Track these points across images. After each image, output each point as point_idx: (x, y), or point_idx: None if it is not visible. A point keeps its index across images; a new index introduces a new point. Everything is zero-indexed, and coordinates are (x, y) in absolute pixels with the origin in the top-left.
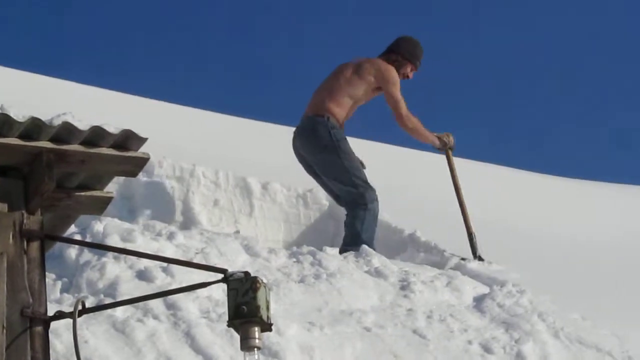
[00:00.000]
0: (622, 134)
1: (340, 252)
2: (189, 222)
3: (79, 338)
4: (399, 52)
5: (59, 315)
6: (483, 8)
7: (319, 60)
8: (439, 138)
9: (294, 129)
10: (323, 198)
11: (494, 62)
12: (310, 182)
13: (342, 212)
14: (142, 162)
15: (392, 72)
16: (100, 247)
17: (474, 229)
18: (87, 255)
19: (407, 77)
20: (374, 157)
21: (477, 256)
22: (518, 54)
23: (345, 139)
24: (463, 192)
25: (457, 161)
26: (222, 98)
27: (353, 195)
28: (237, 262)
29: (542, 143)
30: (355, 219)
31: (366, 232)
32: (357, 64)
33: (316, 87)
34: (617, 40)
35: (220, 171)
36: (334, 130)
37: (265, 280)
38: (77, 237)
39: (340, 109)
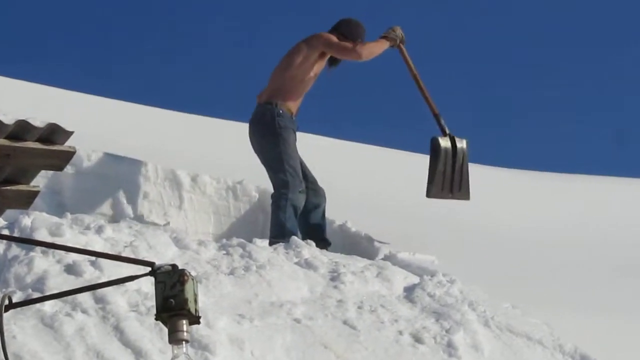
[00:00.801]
0: (555, 125)
1: (270, 244)
2: (118, 216)
3: (6, 333)
4: (340, 32)
5: None
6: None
7: (246, 53)
8: (387, 38)
9: (223, 121)
10: (253, 190)
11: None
12: (240, 174)
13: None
14: (69, 155)
15: (326, 33)
16: (28, 242)
17: (437, 110)
18: (15, 249)
19: (342, 60)
20: (301, 148)
21: (447, 134)
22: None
23: (290, 129)
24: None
25: (385, 151)
26: (149, 90)
27: (279, 182)
28: (167, 255)
29: (475, 132)
30: (278, 209)
31: (289, 221)
32: (299, 44)
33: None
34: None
35: (149, 164)
36: (279, 118)
37: (194, 273)
38: (5, 232)
39: (290, 93)
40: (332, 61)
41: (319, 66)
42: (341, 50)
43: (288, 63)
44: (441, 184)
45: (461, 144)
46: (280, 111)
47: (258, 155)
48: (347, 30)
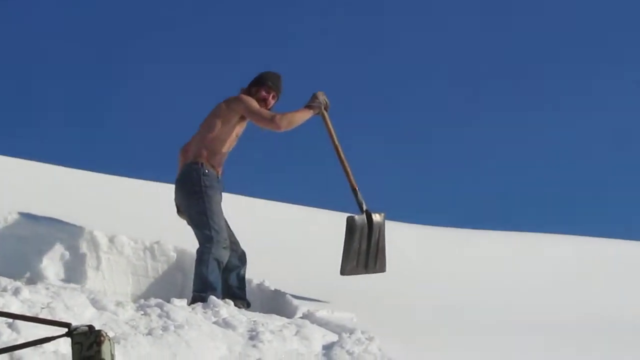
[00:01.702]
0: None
1: (193, 299)
2: (35, 277)
3: None
4: (250, 86)
5: None
6: None
7: (163, 114)
8: (311, 107)
9: (139, 181)
10: (170, 250)
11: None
12: (157, 234)
13: (189, 263)
14: None
15: (247, 97)
16: None
17: (356, 184)
18: None
19: (265, 100)
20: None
21: (364, 211)
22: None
23: (215, 188)
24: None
25: (301, 209)
26: (64, 151)
27: (203, 237)
28: (84, 316)
29: (380, 188)
30: (202, 262)
31: (212, 274)
32: (220, 106)
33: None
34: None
35: (67, 225)
36: (205, 177)
37: (112, 334)
38: None
39: (214, 154)
40: None
41: (241, 127)
42: (260, 120)
43: (210, 125)
44: (355, 261)
45: (378, 218)
46: (206, 171)
47: (184, 213)
48: (256, 81)
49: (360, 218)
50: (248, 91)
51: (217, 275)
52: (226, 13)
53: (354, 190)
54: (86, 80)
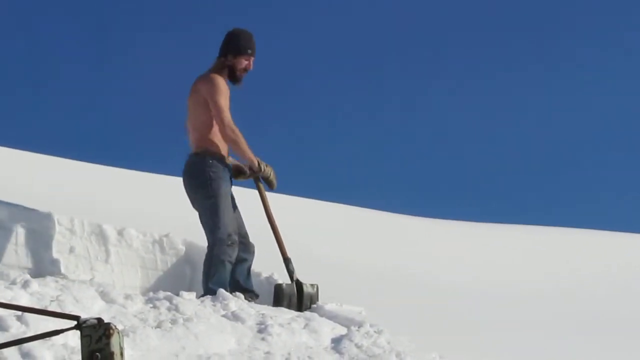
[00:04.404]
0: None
1: (204, 294)
2: (44, 270)
3: None
4: (224, 53)
5: None
6: None
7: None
8: (255, 162)
9: (148, 174)
10: (179, 243)
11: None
12: (166, 227)
13: (198, 256)
14: None
15: (216, 81)
16: None
17: (287, 254)
18: None
19: (247, 69)
20: None
21: (294, 280)
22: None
23: (222, 178)
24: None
25: (310, 202)
26: (74, 143)
27: (208, 237)
28: (93, 309)
29: (393, 182)
30: (205, 264)
31: (214, 278)
32: (197, 88)
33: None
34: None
35: (76, 218)
36: (209, 169)
37: (121, 327)
38: None
39: (213, 138)
40: (233, 80)
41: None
42: (217, 116)
43: (195, 109)
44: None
45: (309, 289)
46: (210, 161)
47: (193, 206)
48: (231, 48)
49: (288, 286)
50: (224, 61)
51: (221, 278)
52: None
53: (285, 259)
54: (91, 75)
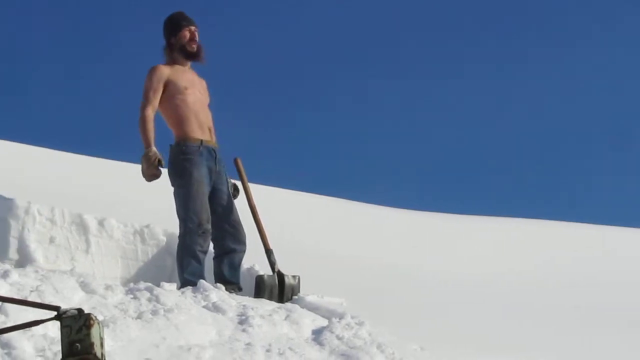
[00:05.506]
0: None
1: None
2: (24, 260)
3: None
4: (167, 40)
5: None
6: None
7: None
8: (150, 149)
9: (129, 164)
10: (160, 233)
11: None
12: (147, 217)
13: None
14: None
15: (149, 71)
16: None
17: (270, 245)
18: None
19: (193, 45)
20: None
21: (275, 271)
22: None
23: (196, 162)
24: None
25: (291, 194)
26: (58, 135)
27: (180, 226)
28: (73, 300)
29: (376, 175)
30: (177, 257)
31: (187, 270)
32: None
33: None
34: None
35: (56, 208)
36: (183, 157)
37: (101, 317)
38: None
39: (181, 123)
40: (189, 56)
41: (175, 86)
42: (142, 101)
43: (160, 102)
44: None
45: (291, 280)
46: (183, 148)
47: None
48: (168, 33)
49: (270, 278)
50: (170, 46)
51: (195, 268)
52: None
53: (267, 250)
54: (72, 64)
